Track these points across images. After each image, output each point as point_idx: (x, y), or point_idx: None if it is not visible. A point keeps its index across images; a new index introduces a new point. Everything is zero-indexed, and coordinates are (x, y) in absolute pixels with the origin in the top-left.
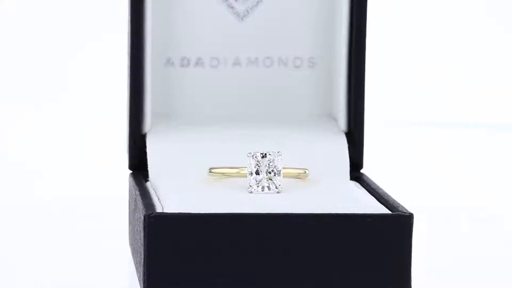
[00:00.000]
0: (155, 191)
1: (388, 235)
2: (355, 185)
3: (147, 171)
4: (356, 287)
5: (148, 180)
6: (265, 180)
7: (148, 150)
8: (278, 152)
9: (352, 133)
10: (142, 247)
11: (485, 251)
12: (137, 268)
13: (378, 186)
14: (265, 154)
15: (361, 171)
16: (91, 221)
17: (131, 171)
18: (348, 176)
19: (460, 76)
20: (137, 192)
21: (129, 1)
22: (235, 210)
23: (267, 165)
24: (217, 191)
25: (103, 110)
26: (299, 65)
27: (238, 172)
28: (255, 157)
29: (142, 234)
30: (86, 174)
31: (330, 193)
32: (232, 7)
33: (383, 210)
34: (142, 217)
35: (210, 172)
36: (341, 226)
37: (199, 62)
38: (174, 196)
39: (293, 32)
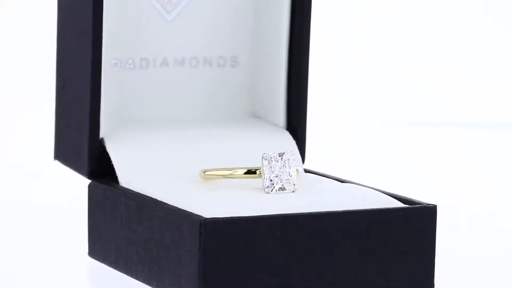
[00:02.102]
0: None
1: (417, 226)
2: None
3: (109, 177)
4: (392, 277)
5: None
6: (281, 180)
7: (112, 155)
8: (291, 151)
9: (293, 130)
10: (195, 254)
11: (484, 250)
12: (151, 278)
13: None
14: (282, 154)
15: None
16: (44, 232)
17: (92, 178)
18: (303, 171)
19: (458, 75)
20: (143, 198)
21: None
22: (273, 211)
23: (282, 165)
24: (233, 193)
25: None
26: (222, 64)
27: (231, 174)
28: (270, 157)
29: (197, 240)
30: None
31: (341, 190)
32: (160, 8)
33: (398, 203)
34: (197, 223)
35: (205, 174)
36: (377, 220)
37: (129, 63)
38: (189, 199)
39: (217, 31)
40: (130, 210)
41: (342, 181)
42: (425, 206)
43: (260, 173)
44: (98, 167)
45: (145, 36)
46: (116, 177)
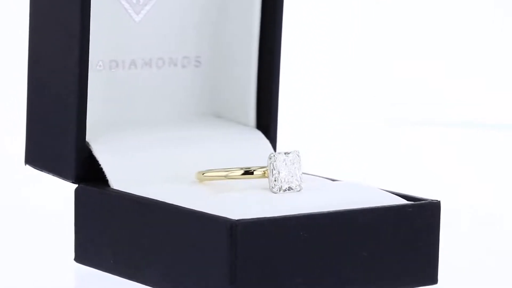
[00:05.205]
0: None
1: (422, 222)
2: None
3: (98, 181)
4: (397, 272)
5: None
6: (287, 180)
7: (101, 160)
8: (296, 150)
9: (264, 129)
10: (224, 256)
11: (485, 247)
12: (165, 281)
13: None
14: (287, 153)
15: None
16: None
17: (78, 182)
18: None
19: (458, 75)
20: (153, 202)
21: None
22: (290, 211)
23: (288, 165)
24: (242, 194)
25: None
26: (186, 64)
27: (227, 175)
28: (277, 157)
29: (227, 242)
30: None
31: (344, 189)
32: (129, 8)
33: (402, 200)
34: (228, 225)
35: (203, 176)
36: (388, 217)
37: (99, 65)
38: (200, 202)
39: (182, 32)
40: (135, 213)
41: (332, 180)
42: (429, 201)
43: (263, 173)
44: (84, 171)
45: (115, 37)
46: (105, 180)
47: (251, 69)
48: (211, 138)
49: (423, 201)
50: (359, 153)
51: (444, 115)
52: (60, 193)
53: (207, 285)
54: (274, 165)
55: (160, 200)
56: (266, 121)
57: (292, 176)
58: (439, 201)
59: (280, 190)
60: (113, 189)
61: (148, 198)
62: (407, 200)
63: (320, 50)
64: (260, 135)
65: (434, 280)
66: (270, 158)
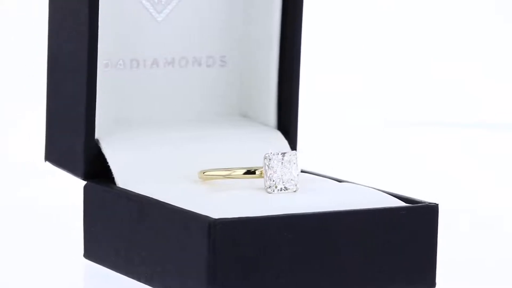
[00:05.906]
0: None
1: (418, 225)
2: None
3: (104, 178)
4: (394, 275)
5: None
6: (283, 180)
7: (108, 157)
8: (293, 151)
9: (284, 130)
10: (203, 255)
11: (485, 250)
12: (154, 279)
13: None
14: (284, 153)
15: None
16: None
17: (87, 179)
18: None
19: (459, 75)
20: (146, 200)
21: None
22: (279, 211)
23: (284, 165)
24: (236, 193)
25: None
26: (211, 64)
27: (231, 174)
28: (272, 157)
29: (205, 241)
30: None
31: (342, 190)
32: (150, 8)
33: (400, 202)
34: (206, 224)
35: (204, 175)
36: (380, 220)
37: (120, 64)
38: (193, 200)
39: (206, 31)
40: (131, 211)
41: (339, 181)
42: (426, 205)
43: (260, 173)
44: (93, 168)
45: (136, 37)
46: (112, 178)
47: (271, 70)
48: (226, 138)
49: (419, 204)
50: (357, 154)
51: (444, 115)
52: (77, 190)
53: (188, 283)
54: (269, 165)
55: (153, 198)
56: (287, 122)
57: (288, 176)
58: (437, 204)
59: (274, 190)
60: (117, 187)
61: (143, 196)
62: (407, 202)
63: (339, 50)
64: (279, 135)
65: (432, 283)
66: (265, 158)
